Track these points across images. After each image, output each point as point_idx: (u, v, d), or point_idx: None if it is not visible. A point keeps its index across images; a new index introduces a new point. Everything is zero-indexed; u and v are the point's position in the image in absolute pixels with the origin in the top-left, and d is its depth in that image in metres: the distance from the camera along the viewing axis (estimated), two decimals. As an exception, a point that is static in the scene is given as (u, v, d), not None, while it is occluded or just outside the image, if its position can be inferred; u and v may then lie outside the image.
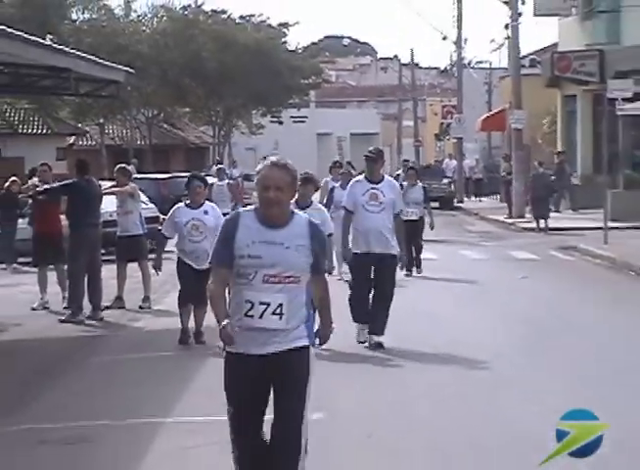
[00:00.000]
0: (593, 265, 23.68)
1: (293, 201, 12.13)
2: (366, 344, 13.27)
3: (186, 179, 14.69)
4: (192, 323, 13.73)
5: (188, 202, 13.85)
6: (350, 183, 13.87)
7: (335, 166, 22.49)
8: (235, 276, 6.38)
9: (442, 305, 17.21)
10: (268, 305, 6.28)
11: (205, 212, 13.67)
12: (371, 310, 13.34)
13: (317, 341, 6.75)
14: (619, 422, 8.62)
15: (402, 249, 13.53)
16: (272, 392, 6.43)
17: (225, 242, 6.42)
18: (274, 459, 6.37)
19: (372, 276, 13.31)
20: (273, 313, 6.28)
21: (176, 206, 14.07)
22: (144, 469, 8.34)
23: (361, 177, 13.67)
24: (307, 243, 6.41)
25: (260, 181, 6.37)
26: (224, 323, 6.35)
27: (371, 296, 13.43)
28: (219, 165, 31.56)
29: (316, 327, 6.98)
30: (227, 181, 26.33)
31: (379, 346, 13.09)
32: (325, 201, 19.13)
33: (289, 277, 6.33)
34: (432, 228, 22.82)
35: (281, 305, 6.29)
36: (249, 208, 6.57)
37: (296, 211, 6.64)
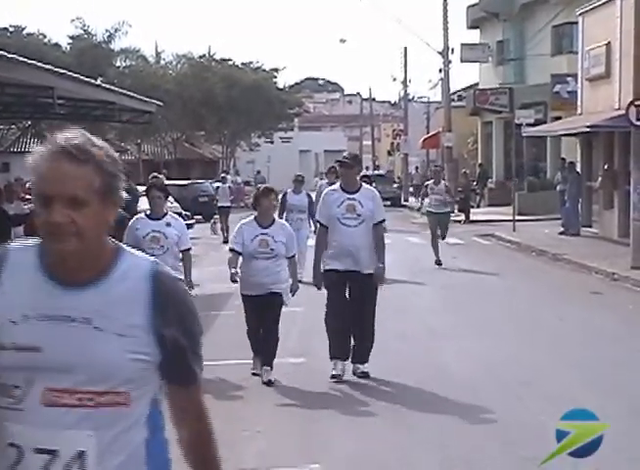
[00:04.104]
0: (505, 248, 23.73)
1: (252, 218, 8.51)
2: (338, 378, 8.84)
3: (145, 189, 9.92)
4: None
5: (149, 212, 9.35)
6: (324, 193, 9.41)
7: (329, 172, 18.36)
8: None
9: (395, 275, 17.21)
10: (54, 453, 2.24)
11: (168, 225, 9.17)
12: (353, 336, 9.08)
13: None
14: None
15: (383, 261, 9.16)
16: None
17: None
18: None
19: (348, 295, 9.10)
20: None
21: (136, 216, 9.45)
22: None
23: (336, 186, 9.23)
24: (147, 321, 2.31)
25: (35, 186, 2.27)
26: None
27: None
28: (223, 174, 33.98)
29: None
30: (228, 185, 28.43)
31: (364, 375, 8.94)
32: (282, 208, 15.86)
33: (104, 394, 2.27)
34: None
35: (82, 453, 2.25)
36: (28, 241, 2.40)
37: (125, 247, 2.41)
